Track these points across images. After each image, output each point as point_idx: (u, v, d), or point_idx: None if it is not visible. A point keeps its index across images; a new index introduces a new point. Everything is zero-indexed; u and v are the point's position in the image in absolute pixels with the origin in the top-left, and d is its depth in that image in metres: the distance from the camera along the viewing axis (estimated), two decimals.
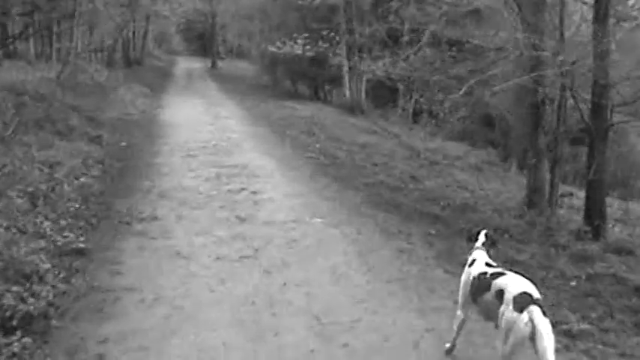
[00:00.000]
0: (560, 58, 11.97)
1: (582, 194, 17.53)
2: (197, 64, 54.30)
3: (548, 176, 13.55)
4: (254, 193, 12.03)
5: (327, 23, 29.47)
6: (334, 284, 7.75)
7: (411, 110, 30.15)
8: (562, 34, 12.95)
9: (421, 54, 24.76)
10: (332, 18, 29.49)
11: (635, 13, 14.26)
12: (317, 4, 28.15)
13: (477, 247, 5.91)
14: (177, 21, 53.01)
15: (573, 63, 11.57)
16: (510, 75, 22.75)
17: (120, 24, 28.94)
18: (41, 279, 7.06)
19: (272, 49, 25.28)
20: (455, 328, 5.82)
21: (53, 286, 6.97)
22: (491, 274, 5.27)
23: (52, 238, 8.46)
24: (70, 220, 9.46)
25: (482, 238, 5.99)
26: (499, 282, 5.08)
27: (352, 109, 28.32)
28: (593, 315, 7.48)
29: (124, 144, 16.39)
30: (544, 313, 4.58)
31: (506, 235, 10.86)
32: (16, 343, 5.66)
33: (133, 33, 40.70)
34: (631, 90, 12.71)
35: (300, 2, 28.04)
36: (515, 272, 5.31)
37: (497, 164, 22.10)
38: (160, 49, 61.47)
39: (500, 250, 9.50)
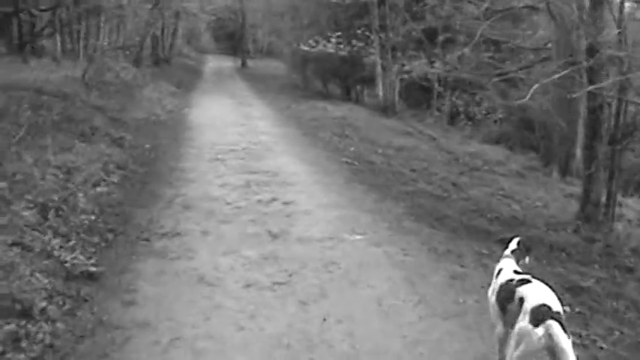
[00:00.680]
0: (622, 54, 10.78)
1: (635, 204, 16.30)
2: (227, 63, 53.33)
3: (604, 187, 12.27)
4: (286, 204, 10.88)
5: (360, 21, 28.29)
6: (382, 321, 6.56)
7: (446, 112, 28.91)
8: (622, 30, 11.62)
9: (459, 54, 23.53)
10: (364, 16, 28.26)
11: None
12: (350, 2, 26.90)
13: (506, 255, 5.48)
14: (207, 19, 52.03)
15: None
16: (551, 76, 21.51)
17: (148, 21, 27.84)
18: (42, 311, 5.96)
19: (304, 47, 24.17)
20: (496, 345, 5.23)
21: (54, 322, 5.84)
22: (517, 282, 4.90)
23: (61, 258, 7.39)
24: (82, 235, 8.44)
25: (513, 245, 5.56)
26: (522, 290, 4.73)
27: (385, 109, 27.11)
28: None
29: (148, 146, 15.34)
30: (564, 329, 4.23)
31: (563, 254, 9.68)
32: None
33: (162, 30, 39.68)
34: None
35: (332, 0, 26.85)
36: (541, 280, 4.89)
37: (538, 169, 20.76)
38: (190, 47, 60.52)
39: (563, 275, 8.40)
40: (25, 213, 8.40)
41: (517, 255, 5.46)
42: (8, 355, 5.06)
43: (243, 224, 9.62)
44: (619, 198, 15.79)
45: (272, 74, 42.66)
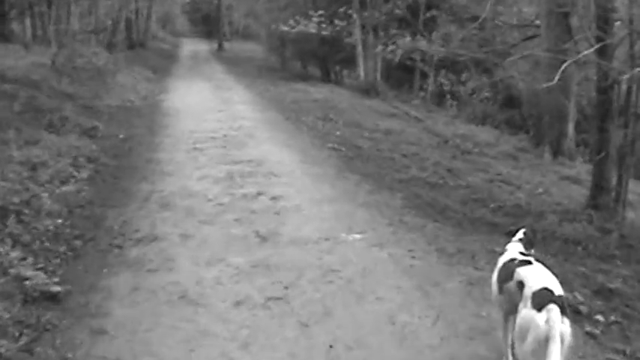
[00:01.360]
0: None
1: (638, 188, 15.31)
2: (203, 46, 51.79)
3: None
4: (274, 198, 9.75)
5: (337, 1, 27.06)
6: (398, 346, 5.46)
7: (432, 92, 27.84)
8: None
9: (444, 31, 22.46)
10: None
11: None
12: None
13: (514, 241, 5.22)
14: (182, 1, 50.58)
15: None
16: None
17: (121, 3, 26.40)
18: None
19: (284, 28, 23.00)
20: (501, 336, 5.03)
21: None
22: (519, 262, 4.68)
23: (20, 275, 6.18)
24: (47, 243, 7.26)
25: (519, 234, 5.29)
26: (521, 272, 4.49)
27: (367, 90, 25.97)
28: None
29: (121, 136, 14.14)
30: (564, 313, 4.04)
31: (579, 249, 8.63)
32: None
33: (136, 14, 38.23)
34: None
35: None
36: (541, 263, 4.65)
37: (529, 151, 19.71)
38: (165, 30, 58.95)
39: (587, 275, 7.35)
40: None
41: (523, 244, 5.15)
42: None
43: (227, 225, 8.47)
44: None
45: (249, 57, 41.39)
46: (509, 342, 4.82)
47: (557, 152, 19.42)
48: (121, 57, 27.07)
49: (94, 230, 8.08)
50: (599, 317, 6.31)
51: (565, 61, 17.98)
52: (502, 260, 4.98)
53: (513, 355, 4.69)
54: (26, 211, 7.98)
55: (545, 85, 19.80)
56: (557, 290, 4.19)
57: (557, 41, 18.29)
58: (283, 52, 33.40)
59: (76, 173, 10.42)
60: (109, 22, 27.18)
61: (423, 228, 8.84)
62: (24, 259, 6.69)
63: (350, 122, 18.44)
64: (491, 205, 10.86)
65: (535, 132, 20.99)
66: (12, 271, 6.27)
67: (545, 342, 3.95)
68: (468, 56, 21.55)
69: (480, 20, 18.05)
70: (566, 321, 4.05)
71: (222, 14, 53.00)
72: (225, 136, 14.77)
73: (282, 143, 14.30)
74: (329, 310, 6.02)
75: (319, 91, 24.86)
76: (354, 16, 25.12)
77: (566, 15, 18.31)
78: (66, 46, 20.49)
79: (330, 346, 5.35)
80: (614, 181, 11.09)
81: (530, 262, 4.61)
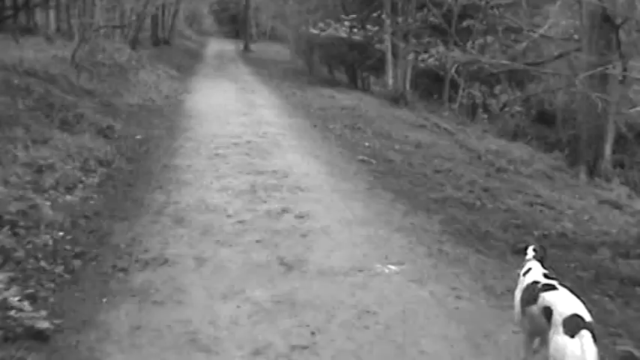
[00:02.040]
0: None
1: None
2: (229, 47, 50.88)
3: None
4: (301, 217, 8.70)
5: (368, 6, 26.01)
6: None
7: (465, 104, 26.76)
8: None
9: (480, 41, 21.41)
10: (375, 0, 26.04)
11: None
12: None
13: (529, 259, 5.18)
14: (210, 1, 49.76)
15: None
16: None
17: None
18: None
19: (313, 31, 22.03)
20: (521, 353, 4.96)
21: None
22: (543, 285, 4.55)
23: (4, 304, 5.20)
24: (42, 262, 6.27)
25: (530, 252, 5.28)
26: (547, 298, 4.35)
27: (396, 99, 24.90)
28: None
29: (139, 137, 13.19)
30: (595, 340, 3.91)
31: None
32: None
33: (163, 11, 37.36)
34: None
35: None
36: (568, 288, 4.45)
37: (564, 170, 18.57)
38: (191, 29, 58.15)
39: None
40: None
41: (539, 261, 5.14)
42: None
43: (248, 248, 7.44)
44: None
45: (275, 59, 40.45)
46: None
47: (593, 173, 18.33)
48: (145, 54, 26.20)
49: (98, 247, 7.08)
50: None
51: (607, 77, 16.94)
52: (526, 280, 4.88)
53: None
54: (22, 222, 6.97)
55: (583, 103, 18.90)
56: (587, 316, 4.10)
57: (600, 57, 17.22)
58: (310, 55, 32.40)
59: (84, 178, 9.48)
60: (134, 18, 26.19)
61: (465, 260, 7.76)
62: (13, 280, 5.69)
63: (379, 132, 17.41)
64: (535, 233, 9.79)
65: (571, 151, 19.88)
66: None
67: None
68: (504, 68, 20.58)
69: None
70: (596, 349, 3.92)
71: (249, 15, 52.12)
72: (248, 142, 13.78)
73: (309, 153, 13.28)
74: None
75: (347, 98, 23.84)
76: (386, 21, 24.00)
77: (612, 28, 17.19)
78: (88, 41, 19.57)
79: None
80: None
81: (554, 287, 4.48)
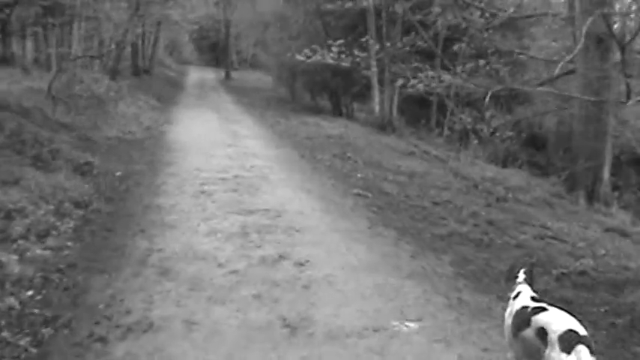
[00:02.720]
0: None
1: None
2: (210, 75, 49.95)
3: None
4: (300, 265, 7.72)
5: (353, 31, 25.21)
6: None
7: (446, 130, 25.94)
8: None
9: (470, 65, 20.58)
10: (359, 25, 25.23)
11: None
12: (345, 10, 23.85)
13: (520, 283, 5.06)
14: (190, 29, 48.93)
15: None
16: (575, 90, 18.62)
17: (126, 28, 24.46)
18: None
19: (299, 57, 21.14)
20: None
21: None
22: (532, 309, 4.52)
23: None
24: (5, 332, 5.31)
25: (521, 275, 5.13)
26: (540, 318, 4.34)
27: (383, 126, 24.08)
28: None
29: (118, 174, 12.16)
30: (592, 353, 3.92)
31: None
32: None
33: (142, 40, 36.42)
34: None
35: (329, 7, 23.75)
36: (558, 307, 4.47)
37: (563, 196, 17.73)
38: (171, 58, 57.23)
39: None
40: None
41: (528, 284, 5.10)
42: None
43: (244, 305, 6.44)
44: None
45: (257, 87, 39.60)
46: None
47: (592, 198, 17.53)
48: (125, 84, 25.13)
49: (72, 309, 6.06)
50: None
51: (603, 100, 16.13)
52: (515, 305, 4.84)
53: None
54: None
55: (580, 126, 18.15)
56: (582, 331, 4.09)
57: (596, 79, 16.50)
58: (293, 83, 31.56)
59: (59, 223, 8.44)
60: (113, 47, 25.17)
61: (489, 311, 6.81)
62: None
63: (370, 162, 16.55)
64: (553, 272, 8.88)
65: (568, 176, 19.05)
66: None
67: None
68: (498, 91, 19.76)
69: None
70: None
71: (230, 43, 51.27)
72: (236, 177, 12.82)
73: (301, 187, 12.34)
74: None
75: (332, 126, 23.00)
76: (372, 47, 23.17)
77: (605, 51, 16.53)
78: (65, 71, 18.56)
79: None
80: None
81: (544, 309, 4.47)
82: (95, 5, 20.82)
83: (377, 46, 22.16)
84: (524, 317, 4.56)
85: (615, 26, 17.13)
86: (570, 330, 4.11)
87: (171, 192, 11.30)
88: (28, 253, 7.08)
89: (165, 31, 43.78)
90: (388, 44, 21.54)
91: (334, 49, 19.10)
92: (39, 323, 5.64)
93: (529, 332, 4.44)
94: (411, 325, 6.17)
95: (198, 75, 49.38)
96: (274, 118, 24.59)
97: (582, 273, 9.17)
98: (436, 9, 19.93)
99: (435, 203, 12.68)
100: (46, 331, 5.52)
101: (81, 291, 6.53)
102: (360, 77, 25.64)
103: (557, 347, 4.06)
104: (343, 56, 19.42)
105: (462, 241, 9.87)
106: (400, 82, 21.68)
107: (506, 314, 4.96)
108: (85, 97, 17.91)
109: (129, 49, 33.63)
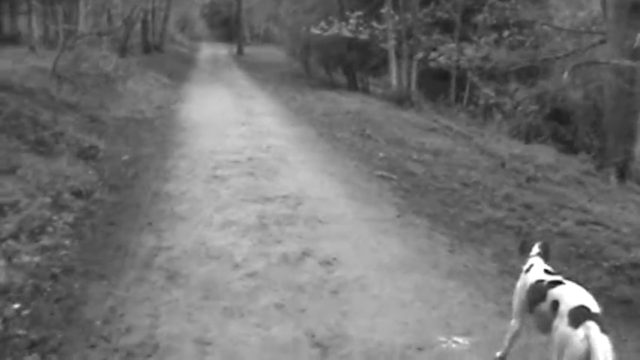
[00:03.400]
0: None
1: None
2: (222, 50, 48.70)
3: None
4: (327, 263, 6.71)
5: (369, 3, 23.98)
6: None
7: (465, 103, 24.76)
8: None
9: (494, 36, 19.43)
10: None
11: None
12: None
13: (532, 256, 4.86)
14: (201, 4, 47.71)
15: None
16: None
17: (133, 2, 23.34)
18: None
19: (315, 31, 20.07)
20: (507, 337, 4.73)
21: None
22: (548, 283, 4.34)
23: None
24: None
25: (535, 249, 4.93)
26: (555, 292, 4.19)
27: (401, 101, 22.88)
28: None
29: (126, 158, 11.19)
30: (603, 330, 3.76)
31: None
32: None
33: (152, 16, 35.26)
34: None
35: None
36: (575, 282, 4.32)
37: (593, 174, 16.62)
38: (183, 34, 55.97)
39: None
40: None
41: (541, 257, 4.86)
42: None
43: (265, 318, 5.46)
44: None
45: (270, 62, 38.38)
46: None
47: (623, 176, 16.42)
48: (134, 61, 24.08)
49: (64, 328, 5.11)
50: None
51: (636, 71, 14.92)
52: (529, 279, 4.60)
53: None
54: None
55: (611, 99, 17.01)
56: (594, 308, 3.93)
57: (629, 50, 15.32)
58: (307, 57, 30.36)
59: (56, 218, 7.45)
60: (120, 23, 24.03)
61: None
62: None
63: (391, 139, 15.49)
64: (605, 265, 7.86)
65: (598, 153, 17.93)
66: None
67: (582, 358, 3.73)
68: (524, 64, 18.62)
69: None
70: (606, 337, 3.71)
71: (242, 18, 49.95)
72: (251, 159, 11.81)
73: (322, 170, 11.32)
74: None
75: (349, 101, 21.85)
76: (389, 19, 21.96)
77: None
78: (71, 49, 17.52)
79: None
80: None
81: (561, 282, 4.30)
82: None
83: (396, 18, 20.86)
84: (540, 291, 4.37)
85: None
86: (582, 306, 3.96)
87: (182, 177, 10.31)
88: (18, 256, 6.07)
89: (176, 6, 42.65)
90: (408, 15, 20.23)
91: (352, 21, 17.94)
92: (23, 347, 4.67)
93: (544, 306, 4.26)
94: (461, 340, 5.19)
95: (210, 51, 48.17)
96: (289, 93, 23.48)
97: (637, 266, 8.15)
98: None
99: (465, 184, 11.67)
100: (31, 359, 4.53)
101: (76, 302, 5.56)
102: (378, 51, 24.45)
103: (565, 320, 3.94)
104: (361, 28, 18.25)
105: (499, 229, 8.86)
106: (420, 55, 20.61)
107: (518, 287, 4.78)
108: (92, 75, 16.90)
109: (139, 25, 32.59)
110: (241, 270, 6.44)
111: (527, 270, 4.76)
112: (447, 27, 22.41)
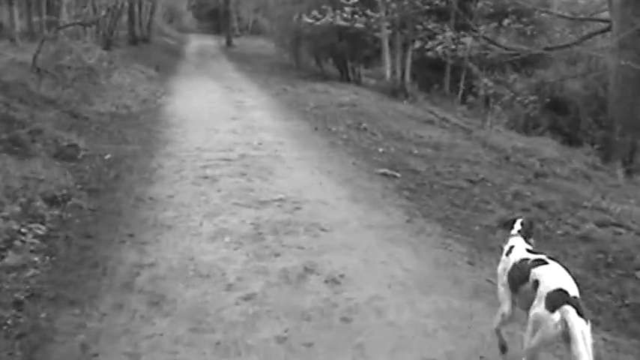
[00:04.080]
0: None
1: None
2: (211, 42, 47.45)
3: None
4: (334, 282, 5.82)
5: None
6: None
7: (461, 93, 23.89)
8: None
9: (494, 25, 18.56)
10: None
11: None
12: None
13: (513, 235, 4.75)
14: None
15: None
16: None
17: None
18: None
19: (307, 20, 19.13)
20: (495, 326, 4.58)
21: None
22: (532, 261, 4.28)
23: None
24: None
25: (517, 226, 4.80)
26: (537, 272, 4.12)
27: (395, 92, 22.01)
28: None
29: (108, 157, 10.20)
30: (580, 314, 3.73)
31: None
32: None
33: (139, 7, 34.15)
34: None
35: None
36: (556, 261, 4.21)
37: (599, 167, 15.80)
38: (171, 26, 54.77)
39: None
40: None
41: (522, 234, 4.75)
42: None
43: (266, 356, 4.53)
44: None
45: (260, 53, 37.31)
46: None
47: (630, 170, 15.64)
48: (119, 53, 23.01)
49: None
50: None
51: None
52: (510, 260, 4.50)
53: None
54: None
55: (616, 90, 16.17)
56: (573, 291, 3.88)
57: (636, 37, 14.52)
58: (298, 48, 29.39)
59: (25, 231, 6.46)
60: (102, 14, 22.88)
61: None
62: None
63: (388, 133, 14.63)
64: (638, 275, 7.01)
65: (603, 145, 17.10)
66: None
67: (554, 341, 3.86)
68: (525, 53, 17.74)
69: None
70: (584, 321, 3.68)
71: (230, 9, 48.82)
72: (243, 156, 10.88)
73: (319, 168, 10.41)
74: None
75: (342, 93, 20.93)
76: (382, 7, 20.97)
77: None
78: (52, 41, 16.47)
79: None
80: None
81: (544, 262, 4.20)
82: None
83: (393, 5, 19.84)
84: (523, 270, 4.27)
85: None
86: (560, 289, 3.88)
87: (168, 178, 9.36)
88: None
89: None
90: (406, 2, 19.21)
91: (347, 9, 16.93)
92: None
93: (528, 285, 4.17)
94: None
95: (198, 43, 46.95)
96: (280, 85, 22.49)
97: None
98: None
99: (471, 181, 10.87)
100: None
101: (41, 339, 4.62)
102: (370, 41, 23.48)
103: (542, 304, 3.88)
104: (356, 16, 17.26)
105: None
106: (417, 44, 19.67)
107: (499, 270, 4.64)
108: (74, 68, 15.82)
109: (125, 17, 31.50)
110: (236, 292, 5.51)
111: (508, 252, 4.63)
112: (442, 15, 21.47)
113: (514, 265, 4.48)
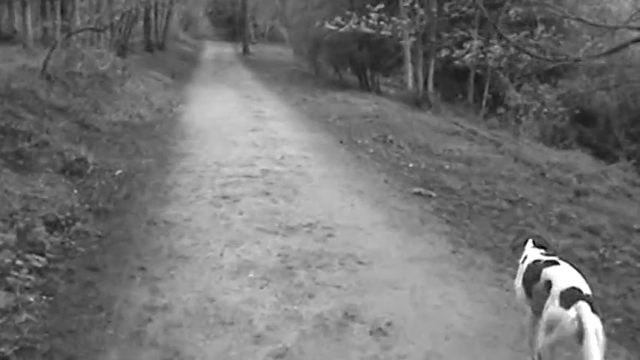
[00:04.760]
0: None
1: None
2: (227, 49, 46.71)
3: None
4: (381, 333, 4.90)
5: None
6: None
7: (485, 104, 22.92)
8: None
9: (525, 33, 17.58)
10: None
11: None
12: None
13: (528, 249, 4.68)
14: (205, 2, 45.96)
15: None
16: None
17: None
18: None
19: (329, 27, 18.31)
20: (527, 332, 4.46)
21: None
22: (544, 262, 4.26)
23: None
24: None
25: (530, 244, 4.72)
26: (549, 272, 4.09)
27: (418, 102, 21.11)
28: None
29: (119, 172, 9.29)
30: (594, 311, 3.66)
31: None
32: None
33: (155, 14, 33.41)
34: None
35: None
36: (568, 263, 4.19)
37: (638, 184, 14.81)
38: (187, 33, 54.14)
39: None
40: None
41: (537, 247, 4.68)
42: None
43: None
44: None
45: (277, 61, 36.50)
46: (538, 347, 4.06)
47: None
48: (133, 60, 22.16)
49: None
50: None
51: None
52: (526, 264, 4.46)
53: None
54: None
55: None
56: (586, 289, 3.84)
57: None
58: (316, 56, 28.54)
59: (20, 262, 5.53)
60: (116, 18, 22.01)
61: None
62: None
63: (416, 146, 13.78)
64: None
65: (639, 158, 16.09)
66: None
67: (571, 339, 3.69)
68: (558, 63, 16.76)
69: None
70: (597, 318, 3.62)
71: (247, 16, 48.10)
72: (265, 172, 9.97)
73: (348, 186, 9.46)
74: None
75: (364, 103, 20.10)
76: (405, 14, 20.05)
77: None
78: (64, 47, 15.62)
79: None
80: None
81: (556, 262, 4.18)
82: None
83: (421, 12, 18.90)
84: (535, 271, 4.21)
85: None
86: (573, 287, 3.83)
87: (184, 198, 8.43)
88: None
89: (179, 3, 40.88)
90: (434, 9, 18.23)
91: (373, 14, 15.97)
92: None
93: (539, 285, 4.10)
94: None
95: (214, 50, 46.17)
96: (299, 95, 21.59)
97: None
98: None
99: (510, 201, 10.00)
100: None
101: None
102: (391, 49, 22.54)
103: (557, 302, 3.80)
104: (382, 23, 16.30)
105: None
106: (444, 53, 18.75)
107: (517, 278, 4.57)
108: (86, 75, 14.95)
109: (141, 23, 30.76)
110: (265, 346, 4.55)
111: (523, 260, 4.59)
112: (468, 23, 20.53)
113: (528, 266, 4.44)
